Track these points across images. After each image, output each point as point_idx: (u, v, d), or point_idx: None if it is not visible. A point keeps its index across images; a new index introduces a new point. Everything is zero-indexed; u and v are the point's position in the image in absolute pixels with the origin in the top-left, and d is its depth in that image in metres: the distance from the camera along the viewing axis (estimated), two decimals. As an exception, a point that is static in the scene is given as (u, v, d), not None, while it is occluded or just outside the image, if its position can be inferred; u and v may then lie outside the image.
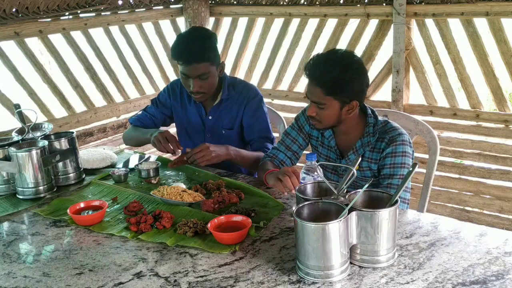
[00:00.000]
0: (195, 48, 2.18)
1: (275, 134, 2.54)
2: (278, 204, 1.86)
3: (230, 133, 2.43)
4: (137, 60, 4.01)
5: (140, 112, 2.58)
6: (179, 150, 2.26)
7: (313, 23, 3.77)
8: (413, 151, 1.97)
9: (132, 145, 2.62)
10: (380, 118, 1.99)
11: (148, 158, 2.47)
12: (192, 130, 2.48)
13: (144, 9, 3.91)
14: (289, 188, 1.85)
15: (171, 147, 2.22)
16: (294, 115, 3.85)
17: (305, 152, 2.19)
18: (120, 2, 3.68)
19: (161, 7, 4.04)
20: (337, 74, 1.80)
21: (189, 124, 2.48)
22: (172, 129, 2.62)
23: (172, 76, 4.27)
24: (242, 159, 2.29)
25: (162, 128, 2.48)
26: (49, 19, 3.29)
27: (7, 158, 2.05)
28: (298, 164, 2.25)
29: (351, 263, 1.42)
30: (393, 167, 1.90)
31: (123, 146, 3.73)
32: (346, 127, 1.97)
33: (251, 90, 2.42)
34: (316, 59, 1.87)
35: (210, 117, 2.42)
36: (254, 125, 2.41)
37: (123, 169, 2.25)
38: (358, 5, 3.49)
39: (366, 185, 1.41)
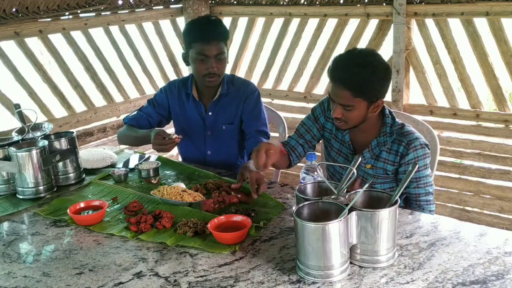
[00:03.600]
0: (215, 27, 2.24)
1: (275, 134, 2.54)
2: (278, 204, 1.87)
3: (231, 128, 2.43)
4: (137, 60, 4.01)
5: (136, 112, 2.54)
6: (179, 138, 2.18)
7: (313, 23, 3.77)
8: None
9: (127, 144, 2.57)
10: (397, 120, 2.00)
11: (148, 158, 2.47)
12: (192, 128, 2.47)
13: (144, 9, 3.90)
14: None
15: (171, 142, 2.16)
16: (294, 115, 3.90)
17: (305, 152, 2.19)
18: (120, 2, 3.68)
19: (161, 7, 4.04)
20: (367, 76, 1.79)
21: (188, 123, 2.47)
22: (169, 130, 2.58)
23: (172, 76, 4.27)
24: None
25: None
26: (49, 19, 3.29)
27: (7, 158, 2.05)
28: (298, 164, 2.25)
29: (351, 263, 1.43)
30: (417, 170, 1.92)
31: (123, 146, 3.73)
32: (364, 125, 1.96)
33: (249, 86, 2.44)
34: (342, 61, 1.85)
35: (210, 113, 2.42)
36: (251, 120, 2.41)
37: (123, 169, 2.25)
38: (358, 5, 3.48)
39: (366, 185, 1.41)
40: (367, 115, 1.89)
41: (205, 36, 2.21)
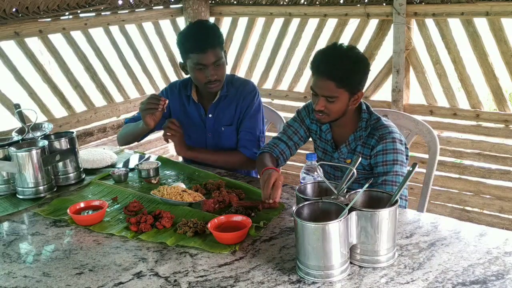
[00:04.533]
0: (208, 35, 2.20)
1: (275, 134, 2.52)
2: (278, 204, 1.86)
3: (230, 130, 2.41)
4: (137, 60, 4.01)
5: (136, 114, 2.51)
6: (165, 102, 2.17)
7: (313, 23, 3.77)
8: (406, 148, 2.00)
9: (127, 142, 2.51)
10: (374, 114, 2.03)
11: (148, 158, 2.47)
12: (193, 131, 2.45)
13: (144, 9, 3.91)
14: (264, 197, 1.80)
15: (157, 103, 2.15)
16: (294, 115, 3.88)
17: (305, 152, 2.19)
18: (120, 2, 3.68)
19: (161, 7, 4.04)
20: (350, 67, 1.87)
21: (189, 125, 2.44)
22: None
23: (172, 76, 4.27)
24: (203, 160, 2.32)
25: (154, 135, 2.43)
26: (49, 19, 3.29)
27: (7, 158, 2.05)
28: (298, 164, 2.25)
29: (351, 263, 1.42)
30: (385, 164, 1.93)
31: (123, 146, 3.73)
32: (342, 120, 2.01)
33: (246, 86, 2.41)
34: (324, 54, 1.93)
35: (210, 115, 2.40)
36: (244, 121, 2.39)
37: (123, 169, 2.25)
38: (358, 5, 3.49)
39: (366, 185, 1.41)
40: (347, 107, 1.95)
41: (200, 46, 2.18)
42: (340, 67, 1.86)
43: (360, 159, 1.63)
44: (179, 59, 2.35)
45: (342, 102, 1.91)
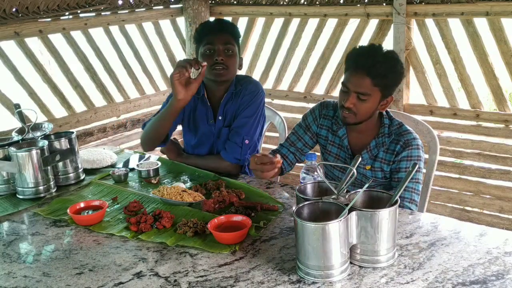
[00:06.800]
0: (225, 23, 2.33)
1: (275, 134, 2.52)
2: (278, 204, 1.86)
3: (227, 130, 2.34)
4: (137, 60, 4.01)
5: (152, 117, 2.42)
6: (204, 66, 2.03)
7: (313, 23, 3.77)
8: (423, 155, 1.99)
9: (153, 141, 2.29)
10: (396, 119, 2.02)
11: (148, 158, 2.47)
12: (201, 133, 2.39)
13: (144, 9, 3.91)
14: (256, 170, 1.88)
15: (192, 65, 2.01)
16: (294, 115, 3.90)
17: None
18: (120, 2, 3.68)
19: (161, 7, 4.04)
20: (389, 65, 1.85)
21: (196, 127, 2.40)
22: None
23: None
24: (190, 165, 2.30)
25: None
26: (49, 19, 3.29)
27: (7, 158, 2.05)
28: (298, 164, 2.25)
29: (351, 263, 1.43)
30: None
31: (123, 146, 3.73)
32: (363, 126, 1.98)
33: (250, 84, 2.35)
34: (366, 50, 1.90)
35: (220, 118, 2.34)
36: (236, 119, 2.32)
37: (123, 169, 2.25)
38: (358, 5, 3.49)
39: (366, 185, 1.41)
40: (376, 110, 1.92)
41: (214, 28, 2.28)
42: (380, 65, 1.83)
43: (360, 159, 1.63)
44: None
45: (372, 102, 1.88)
